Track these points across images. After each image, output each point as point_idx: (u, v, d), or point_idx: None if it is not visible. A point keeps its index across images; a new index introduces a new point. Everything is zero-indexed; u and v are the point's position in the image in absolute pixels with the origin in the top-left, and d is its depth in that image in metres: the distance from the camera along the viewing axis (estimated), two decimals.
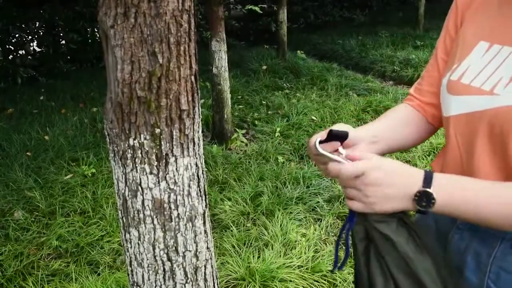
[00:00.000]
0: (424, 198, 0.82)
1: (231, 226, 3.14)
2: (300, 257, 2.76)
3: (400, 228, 0.87)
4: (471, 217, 0.83)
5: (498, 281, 0.90)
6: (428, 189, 0.82)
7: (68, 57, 8.24)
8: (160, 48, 1.03)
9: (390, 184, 0.84)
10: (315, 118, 5.33)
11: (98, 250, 2.93)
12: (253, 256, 2.76)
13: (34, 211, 3.44)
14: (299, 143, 4.59)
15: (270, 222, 3.15)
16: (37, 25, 7.92)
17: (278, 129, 4.97)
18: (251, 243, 2.95)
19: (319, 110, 5.60)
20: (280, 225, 3.09)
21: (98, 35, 8.79)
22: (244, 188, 3.69)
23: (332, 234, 3.07)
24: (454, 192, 0.83)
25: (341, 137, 0.95)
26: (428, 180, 0.82)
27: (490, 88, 0.87)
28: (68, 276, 2.73)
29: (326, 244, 2.97)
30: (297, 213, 3.28)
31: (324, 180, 3.76)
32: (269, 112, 5.70)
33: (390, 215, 0.87)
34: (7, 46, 7.50)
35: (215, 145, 4.58)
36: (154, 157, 1.09)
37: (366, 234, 0.90)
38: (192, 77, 1.11)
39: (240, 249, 2.87)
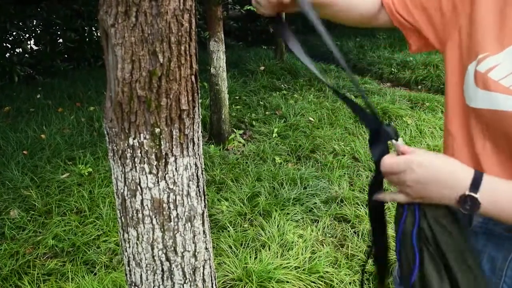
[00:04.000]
0: (468, 202, 0.80)
1: (228, 227, 3.13)
2: (297, 258, 2.75)
3: (454, 222, 0.87)
4: None
5: None
6: (474, 194, 0.79)
7: (66, 56, 8.21)
8: (161, 47, 1.03)
9: (434, 183, 0.82)
10: (312, 119, 5.33)
11: (94, 250, 2.92)
12: (250, 257, 2.76)
13: (30, 210, 3.42)
14: (296, 144, 4.59)
15: (267, 222, 3.15)
16: (34, 23, 7.89)
17: (275, 130, 4.97)
18: (248, 243, 2.95)
19: (317, 111, 5.60)
20: (277, 226, 3.09)
21: (95, 34, 8.78)
22: (241, 189, 3.68)
23: (329, 235, 3.07)
24: (501, 197, 0.80)
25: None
26: (476, 184, 0.80)
27: None
28: (64, 276, 2.72)
29: (323, 245, 2.96)
30: (294, 214, 3.28)
31: (321, 181, 3.76)
32: (267, 112, 5.70)
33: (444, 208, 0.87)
34: (4, 44, 7.47)
35: (213, 145, 4.57)
36: (153, 156, 1.08)
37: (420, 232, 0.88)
38: (193, 77, 1.11)
39: (237, 250, 2.86)
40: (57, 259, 2.87)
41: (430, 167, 0.83)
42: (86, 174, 3.94)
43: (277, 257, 2.77)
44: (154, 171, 1.09)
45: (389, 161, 0.86)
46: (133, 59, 1.02)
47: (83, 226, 3.18)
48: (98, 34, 8.80)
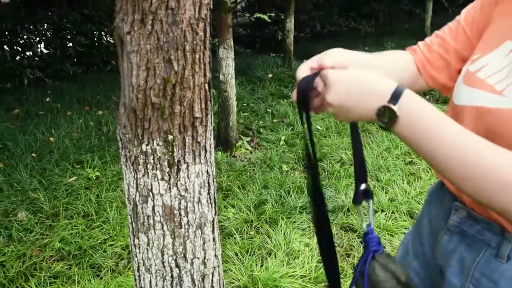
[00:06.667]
0: (386, 114, 0.78)
1: (234, 234, 3.13)
2: (303, 267, 2.75)
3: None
4: (425, 155, 0.79)
5: (478, 287, 0.91)
6: (392, 106, 0.77)
7: (75, 60, 8.27)
8: (175, 55, 1.04)
9: (354, 99, 0.81)
10: (320, 128, 5.33)
11: (100, 254, 2.93)
12: (256, 265, 2.76)
13: (38, 213, 3.44)
14: (304, 152, 4.58)
15: (273, 230, 3.15)
16: (45, 27, 7.95)
17: (283, 138, 4.97)
18: (254, 251, 2.95)
19: (324, 119, 5.60)
20: (284, 234, 3.08)
21: (105, 39, 8.84)
22: (248, 196, 3.68)
23: (335, 245, 3.06)
24: (419, 119, 0.77)
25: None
26: (396, 96, 0.77)
27: (501, 89, 0.85)
28: (70, 279, 2.73)
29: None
30: (300, 222, 3.28)
31: (328, 190, 3.75)
32: (274, 120, 5.71)
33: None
34: (15, 47, 7.53)
35: (220, 152, 4.58)
36: (166, 163, 1.09)
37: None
38: (206, 85, 1.12)
39: (243, 257, 2.86)
40: (63, 262, 2.88)
41: (347, 79, 0.83)
42: (94, 178, 3.96)
43: (283, 265, 2.77)
44: (166, 178, 1.10)
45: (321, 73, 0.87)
46: (148, 66, 1.03)
47: (90, 230, 3.19)
48: (108, 39, 8.86)
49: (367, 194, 0.94)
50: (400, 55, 1.14)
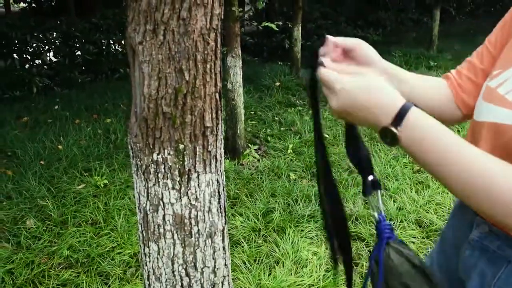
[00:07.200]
0: (388, 135, 0.77)
1: (242, 242, 3.13)
2: (311, 276, 2.74)
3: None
4: (431, 173, 0.78)
5: None
6: (393, 129, 0.76)
7: (83, 68, 8.32)
8: (187, 65, 1.04)
9: (357, 110, 0.80)
10: (327, 136, 5.33)
11: (108, 262, 2.93)
12: (264, 273, 2.75)
13: (46, 220, 3.45)
14: (311, 161, 4.58)
15: (281, 239, 3.14)
16: (54, 35, 8.01)
17: (290, 146, 4.97)
18: (262, 259, 2.94)
19: (332, 128, 5.60)
20: (291, 243, 3.08)
21: (113, 47, 8.89)
22: (255, 204, 3.68)
23: None
24: (423, 141, 0.76)
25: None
26: (399, 118, 0.76)
27: None
28: (79, 287, 2.73)
29: (337, 263, 2.94)
30: (308, 231, 3.27)
31: None
32: (282, 128, 5.71)
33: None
34: (24, 56, 7.59)
35: (227, 160, 4.59)
36: (177, 172, 1.09)
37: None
38: (217, 95, 1.12)
39: (251, 266, 2.86)
40: (71, 270, 2.88)
41: (354, 93, 0.80)
42: (102, 185, 3.97)
43: (291, 274, 2.76)
44: (177, 187, 1.10)
45: (323, 72, 0.85)
46: (160, 76, 1.04)
47: (98, 238, 3.20)
48: (116, 47, 8.92)
49: (375, 185, 0.93)
50: (435, 79, 1.14)
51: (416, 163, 0.82)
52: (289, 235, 3.18)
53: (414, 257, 0.87)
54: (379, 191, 0.94)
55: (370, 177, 0.94)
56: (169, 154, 1.08)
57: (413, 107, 0.77)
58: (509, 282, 0.90)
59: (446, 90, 1.11)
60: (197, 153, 1.10)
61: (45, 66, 7.74)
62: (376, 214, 0.93)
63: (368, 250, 3.06)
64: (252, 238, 3.21)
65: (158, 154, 1.08)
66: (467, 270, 1.00)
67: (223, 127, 1.18)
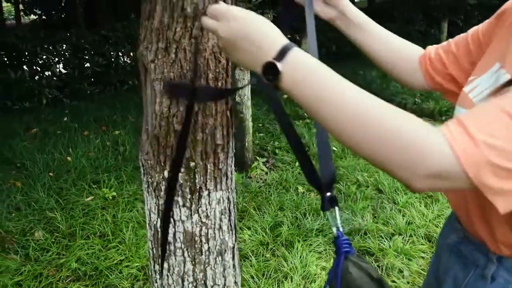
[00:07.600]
0: (270, 71, 0.76)
1: (250, 256, 3.11)
2: None
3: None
4: (311, 115, 0.77)
5: None
6: (276, 62, 0.76)
7: (92, 80, 8.38)
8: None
9: (243, 40, 0.80)
10: (335, 149, 5.32)
11: (116, 275, 2.93)
12: None
13: (55, 232, 3.46)
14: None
15: (289, 253, 3.13)
16: (63, 47, 8.09)
17: None
18: (270, 274, 2.92)
19: None
20: (300, 257, 3.06)
21: (122, 59, 8.96)
22: (263, 218, 3.67)
23: None
24: (306, 79, 0.76)
25: None
26: (283, 52, 0.76)
27: None
28: None
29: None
30: (317, 245, 3.25)
31: (344, 212, 3.73)
32: None
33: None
34: (34, 67, 7.67)
35: (235, 173, 4.58)
36: (187, 190, 1.09)
37: None
38: (228, 112, 1.13)
39: (259, 280, 2.84)
40: (79, 283, 2.88)
41: (244, 22, 0.80)
42: (110, 198, 3.98)
43: None
44: (188, 204, 1.10)
45: (213, 7, 0.85)
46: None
47: (106, 250, 3.20)
48: (125, 59, 8.98)
49: (333, 201, 0.99)
50: (413, 45, 1.23)
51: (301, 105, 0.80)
52: (297, 249, 3.16)
53: (373, 270, 0.95)
54: (336, 208, 0.99)
55: (328, 194, 0.98)
56: (180, 171, 1.08)
57: (296, 47, 0.78)
58: (476, 286, 0.95)
59: (416, 58, 1.18)
60: (208, 170, 1.10)
61: (54, 78, 7.80)
62: (334, 230, 0.99)
63: (377, 265, 3.03)
64: (260, 252, 3.19)
65: (169, 172, 1.09)
66: (444, 272, 1.07)
67: (233, 143, 1.18)
